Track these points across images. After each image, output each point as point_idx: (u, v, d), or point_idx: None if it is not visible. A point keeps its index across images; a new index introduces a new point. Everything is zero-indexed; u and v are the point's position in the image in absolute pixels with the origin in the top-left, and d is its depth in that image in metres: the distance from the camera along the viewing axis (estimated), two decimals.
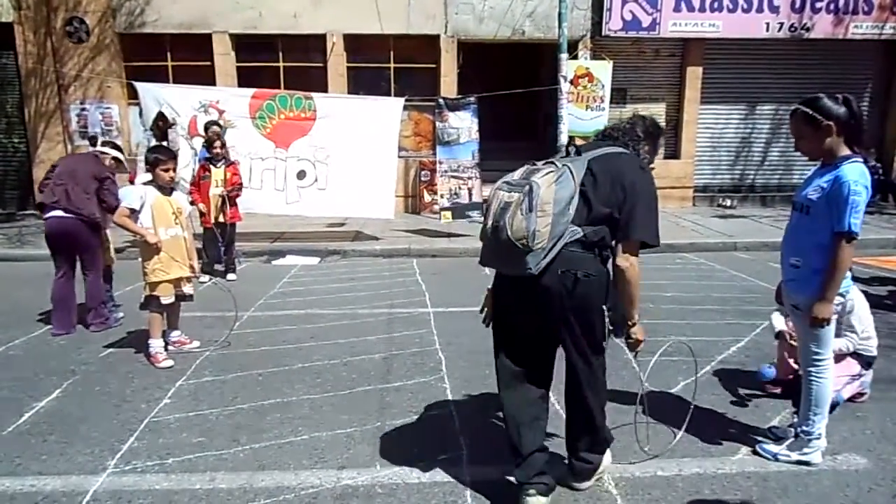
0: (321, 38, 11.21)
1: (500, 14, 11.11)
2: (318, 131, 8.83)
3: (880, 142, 12.02)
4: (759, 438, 3.24)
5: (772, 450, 3.10)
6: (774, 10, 11.02)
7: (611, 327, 2.61)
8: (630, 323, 2.68)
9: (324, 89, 10.85)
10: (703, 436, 3.31)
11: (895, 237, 8.86)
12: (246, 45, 11.33)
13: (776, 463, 3.03)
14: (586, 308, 2.51)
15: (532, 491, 2.60)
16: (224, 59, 11.18)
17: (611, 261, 2.59)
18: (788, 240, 3.02)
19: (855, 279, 6.01)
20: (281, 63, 11.44)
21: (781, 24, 11.08)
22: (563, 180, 2.46)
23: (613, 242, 2.57)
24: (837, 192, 2.73)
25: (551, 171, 2.49)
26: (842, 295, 2.92)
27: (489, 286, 2.75)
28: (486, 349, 4.55)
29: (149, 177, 4.54)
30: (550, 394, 2.90)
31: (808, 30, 11.14)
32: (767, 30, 11.12)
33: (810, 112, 2.84)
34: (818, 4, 11.06)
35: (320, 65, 11.36)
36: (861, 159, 2.81)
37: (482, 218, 3.99)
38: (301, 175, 8.90)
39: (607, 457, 2.92)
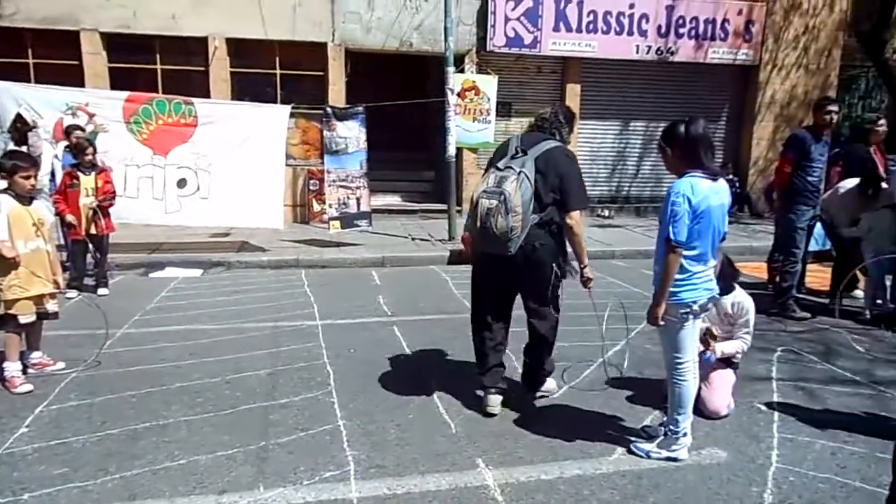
0: (202, 42, 10.75)
1: (387, 25, 11.17)
2: (200, 138, 8.45)
3: (736, 157, 13.19)
4: (633, 438, 3.44)
5: (644, 448, 3.31)
6: (643, 34, 11.84)
7: (559, 273, 3.69)
8: (582, 266, 3.77)
9: (206, 94, 10.41)
10: (582, 437, 3.47)
11: (750, 244, 9.71)
12: (119, 44, 10.64)
13: (648, 460, 3.24)
14: (539, 265, 3.60)
15: (493, 390, 3.77)
16: (94, 59, 10.45)
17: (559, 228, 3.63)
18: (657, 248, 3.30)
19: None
20: (158, 66, 10.85)
21: (650, 47, 11.92)
22: (524, 186, 3.46)
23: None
24: (665, 204, 3.06)
25: (514, 179, 3.46)
26: (689, 304, 3.09)
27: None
28: (374, 360, 4.59)
29: (3, 184, 4.16)
30: None
31: (672, 53, 12.06)
32: (637, 52, 11.92)
33: (660, 139, 3.24)
34: (681, 30, 12.00)
35: (202, 69, 10.89)
36: (698, 174, 3.07)
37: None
38: (182, 183, 8.47)
39: (552, 383, 4.10)
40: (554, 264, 3.63)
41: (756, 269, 7.88)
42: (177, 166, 8.40)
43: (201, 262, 8.06)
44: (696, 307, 3.12)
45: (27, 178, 4.04)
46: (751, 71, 12.68)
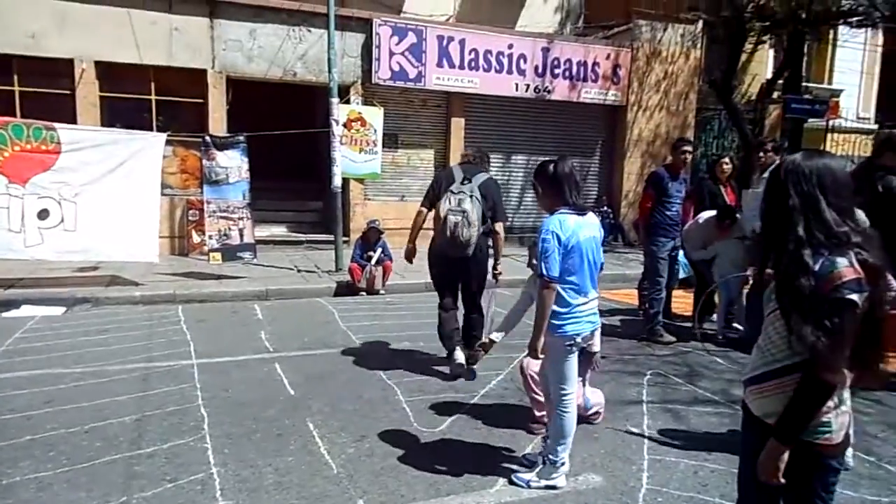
0: (68, 63, 10.08)
1: (270, 54, 11.01)
2: (64, 166, 7.85)
3: (609, 190, 14.05)
4: (515, 468, 3.51)
5: (524, 477, 3.39)
6: (521, 72, 12.43)
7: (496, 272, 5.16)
8: (497, 263, 5.16)
9: (72, 119, 9.74)
10: (464, 470, 3.50)
11: (623, 272, 10.31)
12: None
13: (528, 490, 3.32)
14: (484, 262, 5.10)
15: (455, 348, 5.08)
16: None
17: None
18: None
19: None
20: (16, 87, 10.04)
21: (528, 85, 12.53)
22: (476, 205, 4.80)
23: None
24: (538, 242, 3.22)
25: (469, 201, 4.78)
26: (572, 337, 3.24)
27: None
28: (253, 400, 4.42)
29: None
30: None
31: (549, 92, 12.73)
32: (517, 89, 12.48)
33: (533, 178, 3.47)
34: (556, 71, 12.72)
35: (67, 92, 10.19)
36: (566, 211, 3.26)
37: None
38: (43, 214, 7.81)
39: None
40: (490, 261, 5.12)
41: (628, 296, 8.39)
42: (37, 196, 7.76)
43: (64, 298, 7.45)
44: (579, 339, 3.27)
45: None
46: (619, 111, 13.63)
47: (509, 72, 12.31)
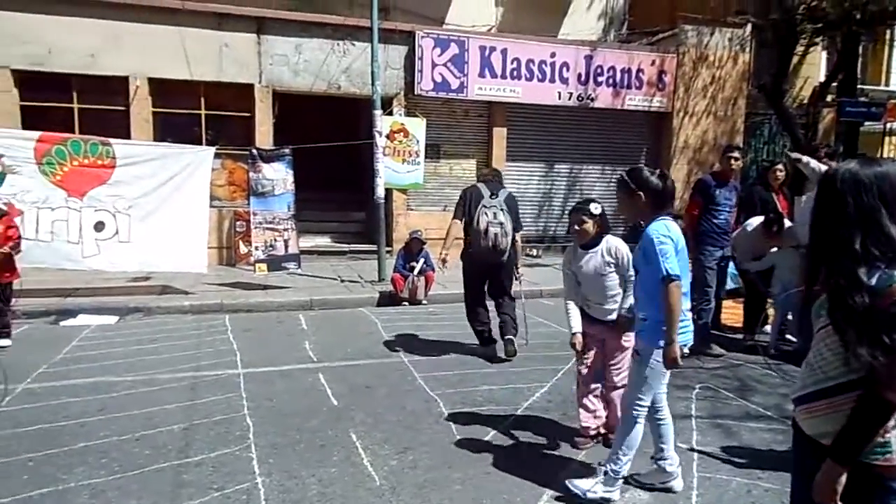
0: (123, 81, 10.46)
1: (315, 68, 11.21)
2: (119, 179, 8.15)
3: None
4: (570, 481, 3.37)
5: (582, 486, 3.30)
6: (564, 81, 12.34)
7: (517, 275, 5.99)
8: (520, 267, 6.07)
9: (126, 135, 10.08)
10: (508, 483, 3.45)
11: None
12: (31, 82, 10.22)
13: (581, 499, 3.23)
14: (510, 265, 5.84)
15: (493, 345, 5.98)
16: (4, 98, 9.98)
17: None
18: (637, 298, 3.37)
19: None
20: (75, 104, 10.46)
21: (571, 93, 12.42)
22: (507, 217, 5.59)
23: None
24: (649, 247, 3.09)
25: (502, 213, 5.58)
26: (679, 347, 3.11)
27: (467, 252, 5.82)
28: (297, 410, 4.46)
29: None
30: None
31: (592, 100, 12.60)
32: (559, 98, 12.39)
33: (627, 180, 3.28)
34: (599, 79, 12.58)
35: (122, 108, 10.57)
36: (668, 218, 3.19)
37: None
38: (99, 226, 8.12)
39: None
40: (515, 267, 5.97)
41: None
42: (94, 209, 8.07)
43: (117, 308, 7.69)
44: (685, 349, 3.16)
45: None
46: (665, 117, 13.38)
47: (552, 80, 12.23)
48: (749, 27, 13.13)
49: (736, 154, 6.17)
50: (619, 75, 12.66)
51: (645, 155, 13.71)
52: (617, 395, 3.95)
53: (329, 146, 10.21)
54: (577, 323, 3.85)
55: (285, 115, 11.55)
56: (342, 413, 4.47)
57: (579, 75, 12.37)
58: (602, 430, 4.00)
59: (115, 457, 3.68)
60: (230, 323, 7.30)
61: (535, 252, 12.76)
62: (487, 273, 5.84)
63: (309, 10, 11.29)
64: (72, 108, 10.44)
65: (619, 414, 3.91)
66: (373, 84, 9.29)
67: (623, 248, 3.84)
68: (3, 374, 4.45)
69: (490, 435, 4.13)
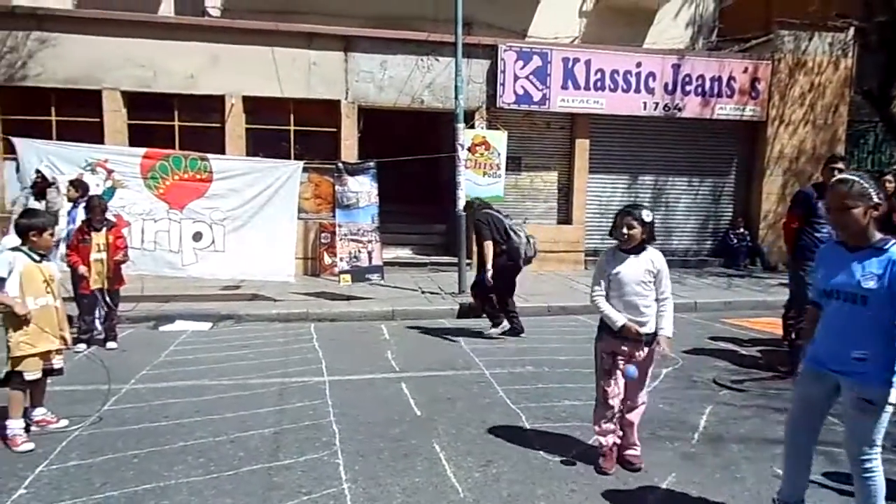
0: (219, 99, 11.06)
1: (399, 83, 11.45)
2: (215, 193, 8.61)
3: (746, 211, 13.19)
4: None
5: None
6: (650, 91, 12.04)
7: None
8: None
9: (221, 150, 10.64)
10: (595, 502, 3.34)
11: (764, 299, 9.58)
12: (138, 102, 10.97)
13: None
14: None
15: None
16: (114, 117, 10.76)
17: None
18: (846, 332, 2.79)
19: (732, 340, 6.39)
20: (176, 122, 11.14)
21: (657, 103, 12.11)
22: (524, 230, 7.22)
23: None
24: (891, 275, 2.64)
25: (522, 226, 7.53)
26: None
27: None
28: (381, 420, 4.51)
29: (16, 241, 4.21)
30: None
31: (679, 109, 12.23)
32: (645, 108, 12.10)
33: (868, 188, 2.70)
34: (687, 88, 12.20)
35: (218, 125, 11.16)
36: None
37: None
38: (197, 237, 8.61)
39: (495, 330, 7.24)
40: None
41: (770, 325, 7.77)
42: (192, 220, 8.55)
43: (210, 314, 8.06)
44: None
45: (44, 236, 4.10)
46: (758, 126, 12.80)
47: (637, 91, 11.98)
48: (851, 30, 12.39)
49: (840, 165, 5.78)
50: (708, 84, 12.25)
51: (735, 166, 13.18)
52: (636, 416, 3.84)
53: (410, 159, 10.38)
54: (618, 314, 3.66)
55: (369, 129, 11.84)
56: (425, 423, 4.49)
57: (666, 85, 12.05)
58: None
59: (212, 457, 3.84)
60: (315, 331, 7.50)
61: None
62: (516, 275, 7.30)
63: (394, 27, 11.56)
64: (173, 126, 11.12)
65: (635, 436, 3.83)
66: (456, 98, 9.39)
67: (665, 264, 3.70)
68: (108, 374, 4.73)
69: (574, 452, 4.02)
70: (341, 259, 9.52)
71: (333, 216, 9.93)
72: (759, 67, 12.46)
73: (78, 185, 7.22)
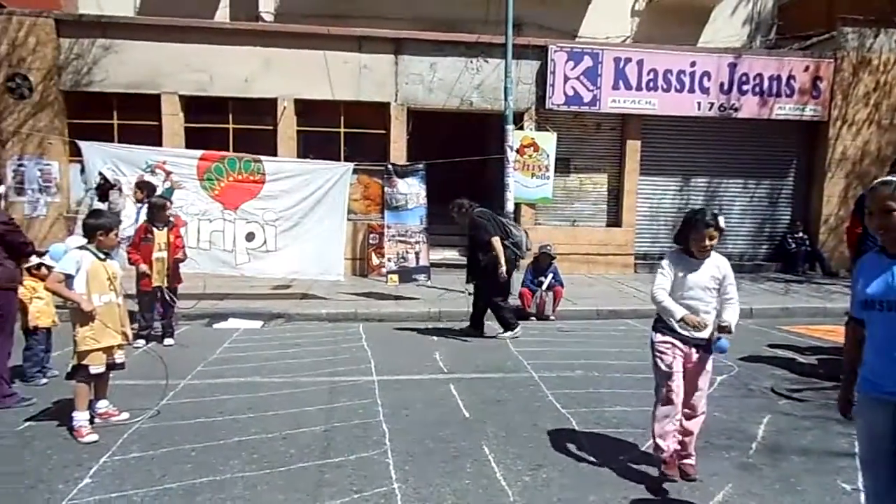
0: (272, 102, 11.29)
1: (448, 85, 11.47)
2: (267, 194, 8.80)
3: (806, 215, 12.73)
4: None
5: None
6: (705, 91, 11.75)
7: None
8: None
9: (273, 152, 10.86)
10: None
11: (824, 305, 9.23)
12: (195, 106, 11.31)
13: None
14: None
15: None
16: (172, 120, 11.11)
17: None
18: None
19: (791, 347, 6.19)
20: (231, 125, 11.43)
21: (712, 103, 11.81)
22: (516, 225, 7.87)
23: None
24: None
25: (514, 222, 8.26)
26: None
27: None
28: (430, 421, 4.52)
29: (80, 240, 4.38)
30: None
31: (735, 110, 11.90)
32: (699, 109, 11.81)
33: None
34: (744, 87, 11.87)
35: (270, 128, 11.41)
36: None
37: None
38: (250, 237, 8.82)
39: (509, 333, 7.24)
40: None
41: (831, 333, 7.48)
42: (245, 221, 8.76)
43: (262, 313, 8.23)
44: None
45: (109, 236, 4.26)
46: (819, 127, 12.36)
47: (691, 90, 11.71)
48: None
49: None
50: (766, 83, 11.89)
51: (794, 167, 12.75)
52: (696, 425, 3.70)
53: (457, 161, 10.39)
54: (677, 306, 3.54)
55: (417, 130, 11.90)
56: (474, 425, 4.47)
57: (721, 84, 11.75)
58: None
59: (265, 453, 3.91)
60: (364, 331, 7.58)
61: None
62: (514, 270, 7.49)
63: (444, 29, 11.60)
64: (227, 129, 11.41)
65: (693, 445, 3.69)
66: (505, 99, 9.36)
67: (730, 269, 3.65)
68: (165, 370, 4.87)
69: (626, 459, 3.94)
70: (389, 260, 9.60)
71: (382, 217, 10.02)
72: (821, 66, 12.02)
73: (143, 186, 7.49)
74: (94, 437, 4.06)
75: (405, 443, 4.11)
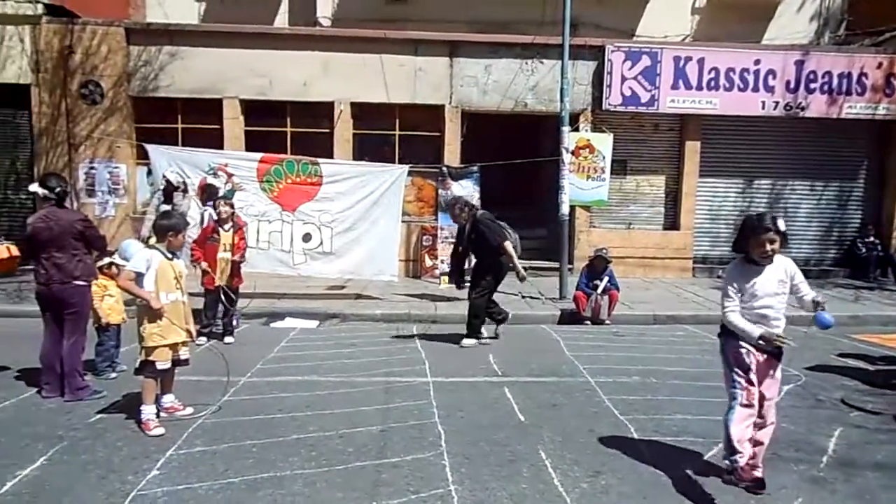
0: (329, 105, 11.48)
1: (503, 87, 11.43)
2: (324, 196, 8.97)
3: (878, 218, 12.14)
4: None
5: None
6: (770, 89, 11.35)
7: None
8: None
9: (329, 154, 11.04)
10: None
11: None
12: (255, 110, 11.61)
13: None
14: None
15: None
16: (233, 124, 11.43)
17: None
18: None
19: (861, 357, 5.93)
20: (288, 128, 11.68)
21: (777, 102, 11.40)
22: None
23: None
24: None
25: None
26: None
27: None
28: (485, 423, 4.50)
29: (137, 245, 4.55)
30: None
31: (802, 109, 11.44)
32: (763, 108, 11.42)
33: None
34: (812, 85, 11.40)
35: (327, 131, 11.60)
36: None
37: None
38: (307, 238, 9.00)
39: (473, 341, 6.96)
40: None
41: None
42: (303, 222, 8.95)
43: (317, 313, 8.37)
44: None
45: (178, 237, 4.42)
46: (892, 127, 11.80)
47: (755, 89, 11.33)
48: None
49: None
50: (835, 81, 11.40)
51: (866, 168, 12.19)
52: (766, 435, 3.57)
53: (511, 163, 10.34)
54: (753, 326, 3.41)
55: (471, 132, 11.90)
56: (529, 429, 4.43)
57: (787, 82, 11.33)
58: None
59: (323, 451, 3.97)
60: (417, 332, 7.60)
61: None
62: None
63: (499, 31, 11.57)
64: (285, 132, 11.67)
65: (762, 456, 3.56)
66: (561, 101, 9.26)
67: (797, 269, 3.56)
68: (226, 368, 5.00)
69: (688, 469, 3.82)
70: (442, 261, 9.63)
71: (435, 219, 10.06)
72: (895, 63, 11.44)
73: (206, 189, 7.74)
74: (161, 430, 4.20)
75: (461, 445, 4.10)
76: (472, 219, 7.07)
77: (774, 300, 3.45)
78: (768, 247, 3.39)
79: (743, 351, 3.48)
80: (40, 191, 4.96)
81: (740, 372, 3.48)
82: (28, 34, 11.10)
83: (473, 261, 7.39)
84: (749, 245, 3.44)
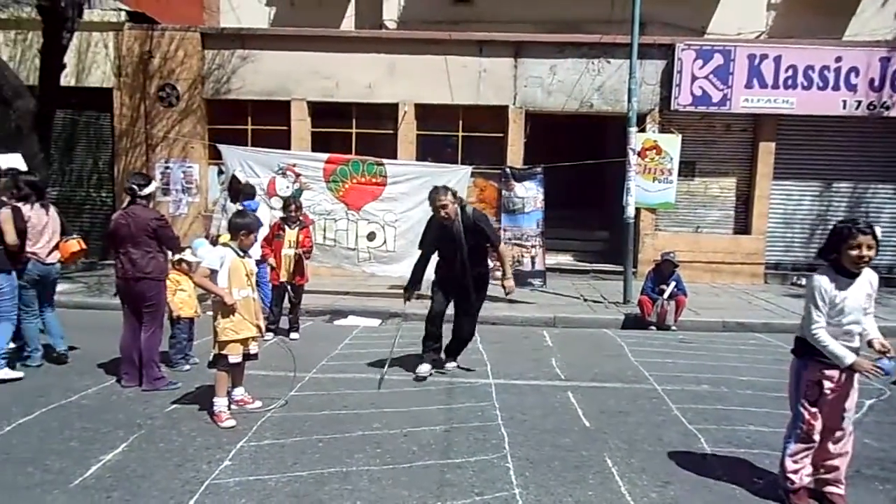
0: (393, 107, 11.61)
1: (568, 87, 11.29)
2: (388, 196, 9.08)
3: None
4: None
5: None
6: (851, 88, 10.79)
7: None
8: None
9: (393, 155, 11.15)
10: None
11: None
12: (321, 111, 11.85)
13: None
14: None
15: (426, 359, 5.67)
16: (300, 125, 11.70)
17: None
18: None
19: None
20: (353, 129, 11.87)
21: (859, 102, 10.82)
22: None
23: None
24: None
25: None
26: None
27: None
28: (549, 428, 4.45)
29: (207, 245, 4.71)
30: None
31: (887, 108, 10.83)
32: (844, 107, 10.87)
33: None
34: None
35: (391, 132, 11.73)
36: None
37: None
38: (371, 237, 9.14)
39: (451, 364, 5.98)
40: None
41: None
42: (367, 221, 9.08)
43: (379, 312, 8.47)
44: None
45: (250, 237, 4.55)
46: None
47: (835, 88, 10.80)
48: None
49: None
50: None
51: None
52: (844, 447, 3.40)
53: (575, 165, 10.19)
54: (846, 350, 3.20)
55: (534, 133, 11.80)
56: (595, 435, 4.35)
57: (871, 81, 10.75)
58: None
59: (388, 448, 4.01)
60: (479, 334, 7.52)
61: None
62: None
63: (565, 31, 11.43)
64: (350, 133, 11.86)
65: (844, 470, 3.41)
66: (629, 101, 9.07)
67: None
68: (294, 363, 5.12)
69: (763, 482, 3.67)
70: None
71: (498, 220, 9.99)
72: None
73: (232, 184, 7.95)
74: (232, 422, 4.33)
75: (525, 448, 4.06)
76: (464, 211, 5.70)
77: (860, 315, 3.25)
78: (865, 252, 3.15)
79: (824, 384, 3.29)
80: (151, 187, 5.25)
81: (807, 404, 3.33)
82: (112, 40, 11.68)
83: (433, 265, 6.09)
84: (841, 251, 3.20)
